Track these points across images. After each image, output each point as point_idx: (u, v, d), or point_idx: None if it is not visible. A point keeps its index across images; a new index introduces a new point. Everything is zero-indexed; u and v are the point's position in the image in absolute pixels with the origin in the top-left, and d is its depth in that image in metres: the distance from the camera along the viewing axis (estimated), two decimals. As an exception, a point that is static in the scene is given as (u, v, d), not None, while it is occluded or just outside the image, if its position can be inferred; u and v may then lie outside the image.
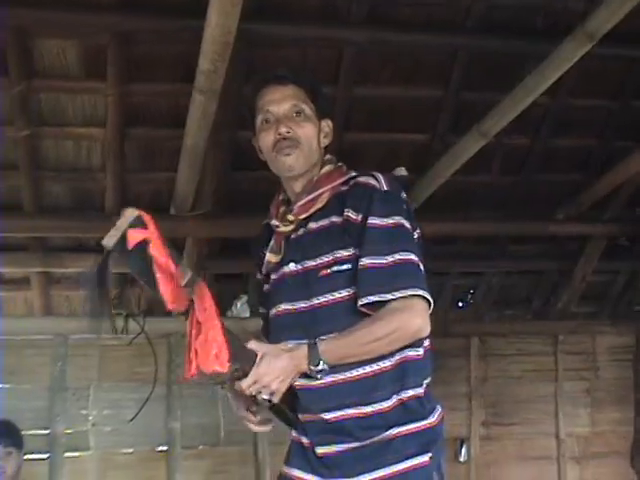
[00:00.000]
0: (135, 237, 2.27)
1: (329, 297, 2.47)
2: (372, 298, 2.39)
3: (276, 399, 2.38)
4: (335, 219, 2.53)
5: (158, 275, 2.22)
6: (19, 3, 4.12)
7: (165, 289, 2.23)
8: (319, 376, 2.39)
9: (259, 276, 2.80)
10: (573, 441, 6.80)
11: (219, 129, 4.51)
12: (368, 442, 2.43)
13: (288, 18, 4.46)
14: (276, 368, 2.34)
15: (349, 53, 4.79)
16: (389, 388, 2.45)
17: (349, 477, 2.42)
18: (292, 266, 2.56)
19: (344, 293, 2.46)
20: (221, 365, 2.25)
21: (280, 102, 2.58)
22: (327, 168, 2.66)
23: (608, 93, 5.51)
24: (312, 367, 2.37)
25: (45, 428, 5.76)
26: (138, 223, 2.30)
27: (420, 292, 2.46)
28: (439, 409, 2.55)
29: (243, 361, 2.33)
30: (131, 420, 5.69)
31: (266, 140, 2.59)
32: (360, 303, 2.40)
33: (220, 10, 2.84)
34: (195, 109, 3.67)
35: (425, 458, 2.46)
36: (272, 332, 2.64)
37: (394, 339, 2.42)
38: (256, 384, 2.33)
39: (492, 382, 6.64)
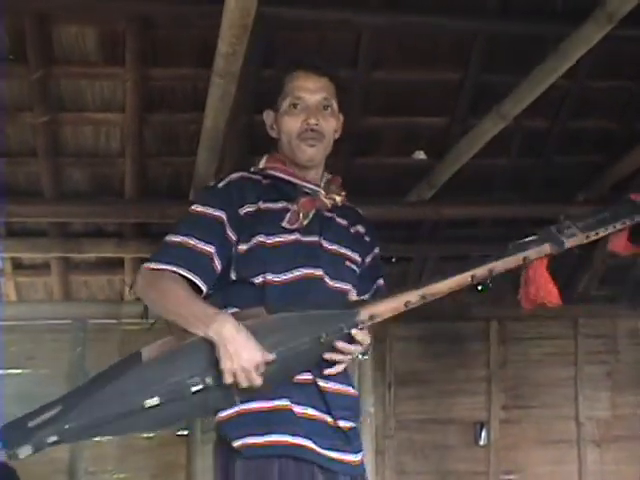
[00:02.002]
0: None
1: (349, 286, 2.60)
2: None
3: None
4: (348, 225, 2.70)
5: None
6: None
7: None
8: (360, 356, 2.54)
9: (219, 213, 2.49)
10: (593, 424, 6.80)
11: (238, 113, 4.51)
12: (357, 424, 2.58)
13: (307, 1, 4.44)
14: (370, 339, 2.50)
15: (367, 36, 4.77)
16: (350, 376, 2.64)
17: (358, 452, 2.51)
18: (324, 240, 2.56)
19: (351, 287, 2.61)
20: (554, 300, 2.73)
21: (313, 92, 2.59)
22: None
23: (628, 74, 5.46)
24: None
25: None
26: None
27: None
28: None
29: None
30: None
31: (291, 125, 2.59)
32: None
33: (239, -7, 2.84)
34: (214, 92, 3.66)
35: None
36: (290, 292, 2.46)
37: None
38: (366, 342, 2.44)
39: (512, 366, 6.64)
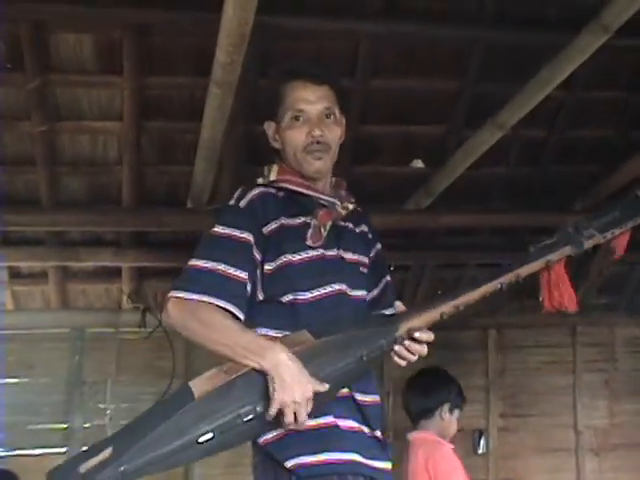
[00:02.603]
0: None
1: (365, 293, 2.64)
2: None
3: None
4: (354, 224, 2.71)
5: None
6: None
7: None
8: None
9: (249, 236, 2.46)
10: (591, 433, 6.79)
11: (235, 122, 4.51)
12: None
13: (304, 10, 4.44)
14: None
15: (365, 45, 4.78)
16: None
17: (390, 460, 2.55)
18: (344, 254, 2.59)
19: (366, 293, 2.65)
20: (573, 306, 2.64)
21: (314, 102, 2.57)
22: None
23: (624, 84, 5.47)
24: None
25: (63, 422, 5.79)
26: None
27: None
28: None
29: None
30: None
31: (297, 139, 2.57)
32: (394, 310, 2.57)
33: (237, 2, 2.83)
34: (212, 102, 3.66)
35: None
36: (322, 309, 2.45)
37: None
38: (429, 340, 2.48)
39: (510, 374, 6.63)
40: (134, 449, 2.14)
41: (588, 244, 2.66)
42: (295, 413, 2.19)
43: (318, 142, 2.55)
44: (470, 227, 6.06)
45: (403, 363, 2.46)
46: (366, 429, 2.47)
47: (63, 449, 5.71)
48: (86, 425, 5.80)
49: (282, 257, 2.47)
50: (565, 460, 6.71)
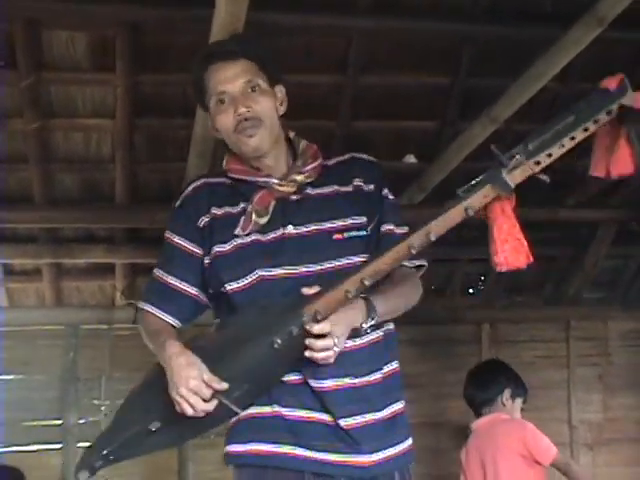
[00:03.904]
0: None
1: (344, 261, 2.41)
2: (416, 262, 2.54)
3: (335, 352, 2.25)
4: (340, 188, 2.52)
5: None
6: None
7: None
8: (368, 331, 2.34)
9: (181, 241, 2.54)
10: (585, 427, 6.78)
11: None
12: (387, 413, 2.41)
13: (295, 6, 4.44)
14: (348, 319, 2.27)
15: (357, 41, 4.77)
16: (383, 358, 2.47)
17: (376, 451, 2.36)
18: (290, 228, 2.43)
19: (360, 258, 2.42)
20: (524, 263, 2.29)
21: (233, 80, 2.45)
22: (305, 142, 2.62)
23: (619, 77, 5.47)
24: (368, 321, 2.32)
25: (58, 419, 5.80)
26: None
27: (425, 262, 2.63)
28: None
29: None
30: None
31: (225, 122, 2.46)
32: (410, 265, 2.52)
33: (229, -2, 2.84)
34: (204, 98, 3.67)
35: (410, 440, 2.50)
36: (250, 298, 2.39)
37: (412, 301, 2.57)
38: (330, 332, 2.23)
39: (503, 369, 6.64)
40: (108, 434, 2.43)
41: (513, 178, 2.23)
42: (189, 403, 2.20)
43: (246, 119, 2.42)
44: (462, 222, 6.06)
45: (314, 355, 2.24)
46: (328, 418, 2.33)
47: (58, 445, 5.72)
48: (81, 421, 5.79)
49: (214, 248, 2.46)
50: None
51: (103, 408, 5.82)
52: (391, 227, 2.54)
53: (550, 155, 2.21)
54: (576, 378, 6.78)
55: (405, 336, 6.54)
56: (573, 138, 2.22)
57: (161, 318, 2.51)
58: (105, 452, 2.37)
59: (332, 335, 2.23)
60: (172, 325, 2.52)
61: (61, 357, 5.87)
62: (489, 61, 4.99)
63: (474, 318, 6.61)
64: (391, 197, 2.60)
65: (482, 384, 4.82)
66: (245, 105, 2.42)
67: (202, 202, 2.53)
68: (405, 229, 2.51)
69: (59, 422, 5.78)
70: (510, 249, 2.31)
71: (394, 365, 2.53)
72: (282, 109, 2.56)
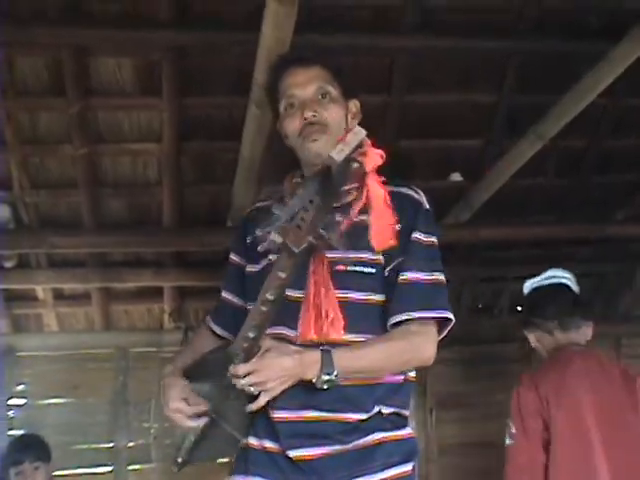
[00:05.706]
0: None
1: (340, 294, 2.25)
2: (415, 314, 2.27)
3: (265, 399, 2.17)
4: (365, 217, 2.32)
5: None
6: (75, 22, 4.20)
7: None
8: (325, 387, 2.17)
9: (234, 256, 2.59)
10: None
11: (274, 140, 4.52)
12: (351, 446, 2.25)
13: (340, 28, 4.46)
14: (282, 367, 2.15)
15: (401, 60, 4.79)
16: (370, 401, 2.29)
17: None
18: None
19: (359, 295, 2.30)
20: (338, 333, 2.18)
21: (305, 85, 2.40)
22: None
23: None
24: (322, 376, 2.16)
25: (108, 441, 5.83)
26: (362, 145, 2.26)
27: (449, 314, 2.34)
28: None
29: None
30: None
31: (292, 126, 2.42)
32: (401, 319, 2.28)
33: (275, 22, 2.85)
34: (251, 122, 3.68)
35: (409, 467, 2.32)
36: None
37: (405, 362, 2.32)
38: (252, 375, 2.14)
39: (554, 387, 6.56)
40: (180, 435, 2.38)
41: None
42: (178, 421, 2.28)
43: (312, 123, 2.37)
44: (510, 240, 6.03)
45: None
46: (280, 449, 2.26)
47: (109, 468, 5.75)
48: (131, 444, 5.83)
49: (247, 267, 2.52)
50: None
51: (152, 431, 5.84)
52: (408, 275, 2.32)
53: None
54: (627, 396, 6.69)
55: (453, 356, 6.57)
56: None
57: (212, 329, 2.62)
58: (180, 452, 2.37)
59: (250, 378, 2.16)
60: (220, 336, 2.59)
61: (111, 380, 5.92)
62: (534, 78, 4.97)
63: (523, 336, 6.53)
64: (422, 240, 2.38)
65: None
66: (313, 110, 2.38)
67: (250, 223, 2.54)
68: (433, 276, 2.34)
69: (110, 445, 5.82)
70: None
71: (390, 409, 2.34)
72: (354, 123, 2.45)
